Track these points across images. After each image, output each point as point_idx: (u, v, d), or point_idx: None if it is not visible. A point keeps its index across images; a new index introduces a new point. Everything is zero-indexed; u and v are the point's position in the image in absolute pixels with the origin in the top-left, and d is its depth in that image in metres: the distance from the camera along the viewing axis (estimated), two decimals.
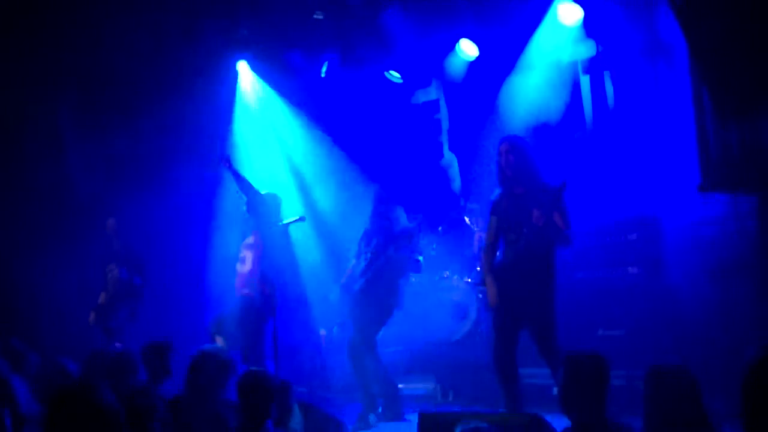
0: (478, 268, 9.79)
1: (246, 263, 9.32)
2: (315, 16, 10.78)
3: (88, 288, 11.11)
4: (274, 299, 8.48)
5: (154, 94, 11.78)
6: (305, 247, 10.80)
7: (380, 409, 8.52)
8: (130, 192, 11.69)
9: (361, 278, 8.62)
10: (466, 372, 9.01)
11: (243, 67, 12.12)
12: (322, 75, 11.92)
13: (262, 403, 5.04)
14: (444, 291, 10.01)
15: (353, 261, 8.94)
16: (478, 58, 10.93)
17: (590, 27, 9.89)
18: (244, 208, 9.41)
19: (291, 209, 9.90)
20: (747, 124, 7.04)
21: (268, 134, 12.48)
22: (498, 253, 7.35)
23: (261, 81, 12.25)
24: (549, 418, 5.62)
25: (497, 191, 7.32)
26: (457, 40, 10.88)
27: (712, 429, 4.48)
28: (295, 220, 8.80)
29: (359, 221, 11.35)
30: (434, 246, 10.42)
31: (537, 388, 7.92)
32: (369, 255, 8.71)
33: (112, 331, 10.47)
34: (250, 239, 9.43)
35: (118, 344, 5.99)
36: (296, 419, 5.84)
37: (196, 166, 12.06)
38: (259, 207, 9.16)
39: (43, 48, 11.04)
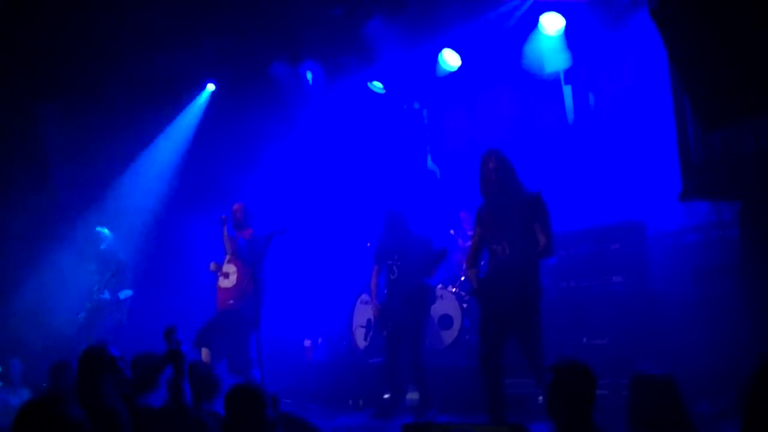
0: (463, 278, 9.82)
1: (230, 278, 9.39)
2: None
3: (69, 298, 11.09)
4: (259, 310, 8.50)
5: (138, 104, 11.81)
6: (288, 256, 10.80)
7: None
8: (112, 201, 11.73)
9: (398, 292, 8.72)
10: (451, 381, 8.98)
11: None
12: (309, 82, 11.98)
13: (255, 420, 4.90)
14: None
15: (375, 267, 9.05)
16: (460, 67, 10.94)
17: (572, 37, 9.92)
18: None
19: (276, 220, 9.91)
20: (728, 131, 7.06)
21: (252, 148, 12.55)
22: (483, 263, 7.43)
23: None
24: (533, 427, 5.60)
25: (481, 202, 7.36)
26: (440, 50, 10.90)
27: None
28: (278, 232, 8.81)
29: (346, 231, 11.44)
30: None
31: (521, 398, 7.90)
32: (395, 269, 8.79)
33: (97, 339, 10.41)
34: (231, 255, 9.49)
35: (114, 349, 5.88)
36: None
37: (177, 174, 12.13)
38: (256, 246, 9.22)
39: (24, 56, 11.00)
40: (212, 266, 9.64)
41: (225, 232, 9.57)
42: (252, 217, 9.73)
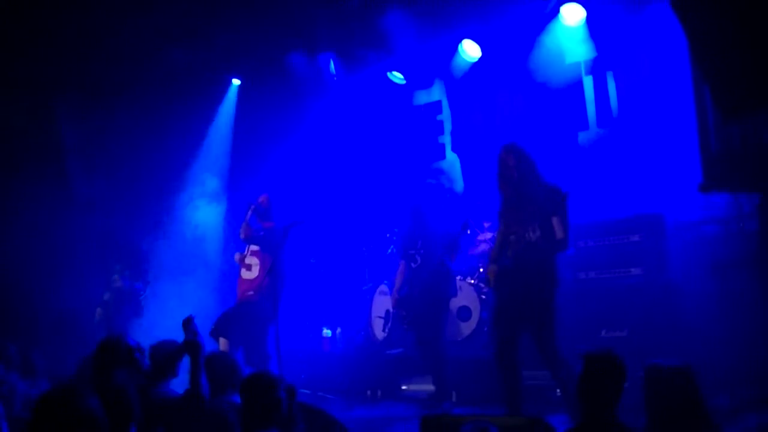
0: (481, 270, 9.80)
1: (253, 270, 9.41)
2: None
3: (88, 290, 11.14)
4: (278, 303, 8.52)
5: (155, 99, 11.83)
6: (308, 247, 10.83)
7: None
8: (131, 194, 11.74)
9: (419, 281, 8.68)
10: (469, 372, 8.98)
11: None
12: (333, 71, 11.99)
13: (269, 407, 4.92)
14: None
15: (402, 262, 9.01)
16: (480, 58, 10.92)
17: (593, 27, 9.88)
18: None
19: (293, 211, 9.95)
20: (749, 122, 7.01)
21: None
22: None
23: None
24: (551, 419, 5.60)
25: (502, 199, 7.35)
26: (460, 41, 10.88)
27: (713, 425, 4.48)
28: (291, 224, 8.82)
29: (364, 221, 11.43)
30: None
31: (540, 390, 7.89)
32: (418, 257, 8.75)
33: (116, 329, 10.45)
34: (255, 247, 9.51)
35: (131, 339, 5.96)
36: (299, 423, 5.82)
37: (198, 168, 12.14)
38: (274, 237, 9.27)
39: (39, 51, 11.06)
40: (237, 257, 9.68)
41: (246, 221, 9.62)
42: (275, 209, 9.75)
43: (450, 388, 8.56)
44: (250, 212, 9.64)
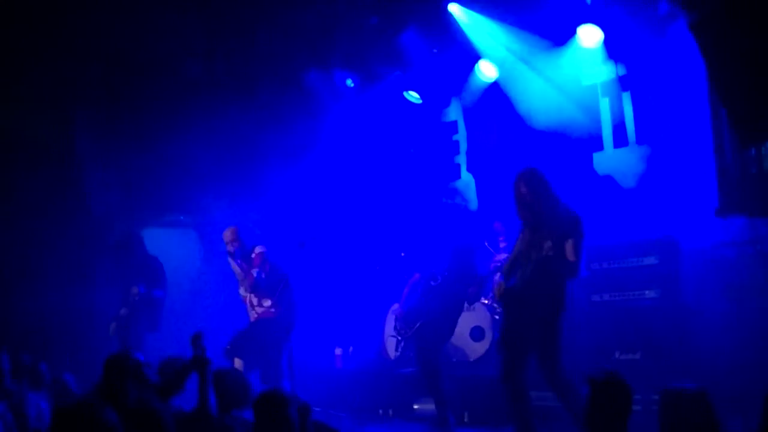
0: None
1: (265, 305, 9.28)
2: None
3: (102, 304, 11.14)
4: (293, 319, 8.50)
5: (173, 112, 11.85)
6: (322, 265, 10.82)
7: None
8: (146, 209, 11.77)
9: (433, 299, 8.62)
10: (482, 392, 8.94)
11: None
12: (351, 85, 12.00)
13: (281, 425, 4.91)
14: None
15: (417, 274, 8.96)
16: (497, 79, 10.92)
17: (610, 49, 9.88)
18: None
19: (303, 230, 9.92)
20: (766, 146, 7.00)
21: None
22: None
23: None
24: None
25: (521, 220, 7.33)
26: (477, 61, 10.89)
27: None
28: (304, 242, 8.79)
29: (380, 240, 11.43)
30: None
31: (548, 411, 7.85)
32: (439, 277, 8.68)
33: (131, 342, 10.41)
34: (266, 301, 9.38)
35: (139, 354, 5.99)
36: None
37: (213, 184, 12.16)
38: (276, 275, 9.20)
39: (58, 61, 11.11)
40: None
41: (236, 269, 9.41)
42: (253, 235, 9.51)
43: (449, 407, 8.49)
44: (232, 264, 9.39)
